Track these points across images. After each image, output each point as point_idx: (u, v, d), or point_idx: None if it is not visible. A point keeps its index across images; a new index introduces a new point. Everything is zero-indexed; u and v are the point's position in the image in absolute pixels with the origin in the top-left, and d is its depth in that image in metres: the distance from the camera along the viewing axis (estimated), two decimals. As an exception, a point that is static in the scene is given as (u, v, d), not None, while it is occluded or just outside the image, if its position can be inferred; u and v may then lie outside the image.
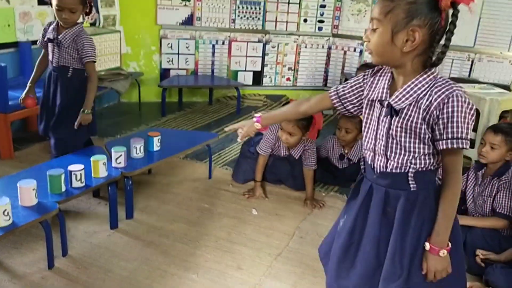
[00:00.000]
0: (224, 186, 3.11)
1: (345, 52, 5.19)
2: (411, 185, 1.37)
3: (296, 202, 2.96)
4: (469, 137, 1.28)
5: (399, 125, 1.33)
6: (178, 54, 4.85)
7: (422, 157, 1.35)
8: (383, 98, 1.36)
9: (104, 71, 4.07)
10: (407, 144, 1.34)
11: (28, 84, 2.82)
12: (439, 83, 1.27)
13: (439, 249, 1.34)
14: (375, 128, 1.40)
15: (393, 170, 1.38)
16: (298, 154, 2.97)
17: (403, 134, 1.33)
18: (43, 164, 2.55)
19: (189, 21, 4.79)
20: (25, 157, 3.31)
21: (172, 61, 4.85)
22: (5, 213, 1.87)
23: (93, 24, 4.29)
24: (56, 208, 2.08)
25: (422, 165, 1.35)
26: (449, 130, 1.26)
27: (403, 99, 1.30)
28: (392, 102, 1.33)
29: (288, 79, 5.28)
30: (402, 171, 1.37)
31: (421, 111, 1.28)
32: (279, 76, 5.23)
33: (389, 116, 1.35)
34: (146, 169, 2.86)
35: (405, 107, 1.31)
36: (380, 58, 1.31)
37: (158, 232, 2.51)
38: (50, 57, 2.70)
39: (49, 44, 2.66)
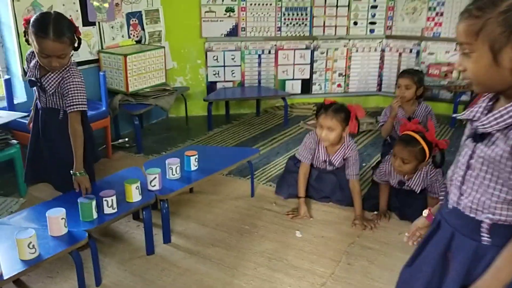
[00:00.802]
0: (267, 204, 2.93)
1: (400, 54, 4.85)
2: (484, 237, 1.11)
3: (344, 222, 2.72)
4: None
5: (482, 154, 1.07)
6: (224, 66, 4.76)
7: (504, 205, 1.06)
8: (475, 118, 1.10)
9: (149, 88, 4.05)
10: (486, 182, 1.07)
11: (32, 108, 2.47)
12: None
13: None
14: (460, 153, 1.17)
15: (465, 211, 1.13)
16: (339, 159, 2.76)
17: (483, 167, 1.07)
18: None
19: (234, 32, 4.68)
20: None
21: (218, 73, 4.77)
22: (31, 246, 1.82)
23: (138, 42, 4.31)
24: (85, 238, 2.00)
25: (503, 216, 1.07)
26: None
27: (493, 122, 1.04)
28: (478, 124, 1.07)
29: (339, 85, 5.02)
30: (475, 216, 1.11)
31: (510, 141, 1.00)
32: (329, 83, 4.99)
33: (473, 141, 1.10)
34: (184, 190, 2.74)
35: (493, 133, 1.05)
36: (485, 86, 1.05)
37: (195, 258, 2.38)
38: (36, 95, 2.33)
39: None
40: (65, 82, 2.18)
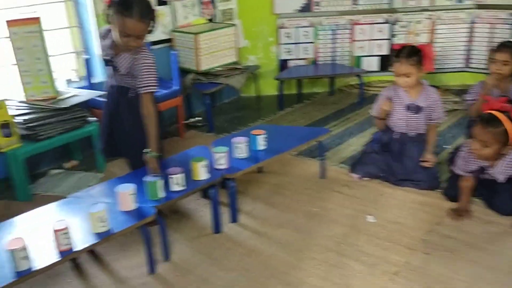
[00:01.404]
0: (337, 187, 2.80)
1: (492, 26, 4.37)
2: None
3: (422, 208, 2.51)
4: None
5: None
6: (296, 43, 4.61)
7: None
8: None
9: (220, 67, 4.03)
10: None
11: (106, 87, 2.49)
12: None
13: None
14: None
15: None
16: (423, 100, 2.74)
17: None
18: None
19: (307, 8, 4.50)
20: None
21: (290, 51, 4.63)
22: (102, 220, 1.87)
23: (210, 20, 4.29)
24: (154, 214, 2.03)
25: None
26: None
27: None
28: None
29: (420, 61, 4.65)
30: None
31: None
32: (410, 59, 4.64)
33: None
34: (254, 169, 2.69)
35: None
36: None
37: (261, 239, 2.33)
38: (110, 73, 2.35)
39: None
40: (138, 63, 2.19)
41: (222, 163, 2.38)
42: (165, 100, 3.52)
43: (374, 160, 2.80)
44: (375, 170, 2.78)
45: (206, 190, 2.65)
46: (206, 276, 2.08)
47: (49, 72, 2.88)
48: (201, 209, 2.65)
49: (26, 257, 1.65)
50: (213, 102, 4.32)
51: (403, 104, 2.73)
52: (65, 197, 2.75)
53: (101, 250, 2.28)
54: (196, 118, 4.11)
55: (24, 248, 1.64)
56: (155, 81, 2.22)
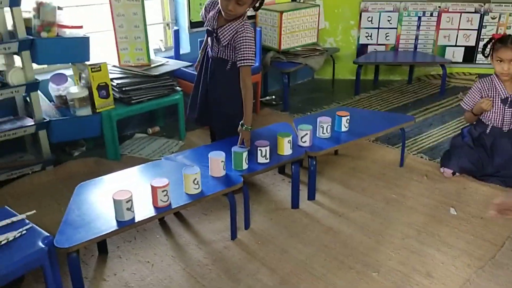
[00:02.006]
0: (417, 176, 2.76)
1: None
2: None
3: (509, 206, 2.42)
4: None
5: None
6: (378, 28, 4.51)
7: None
8: None
9: (300, 46, 4.04)
10: None
11: (200, 52, 2.60)
12: None
13: None
14: None
15: None
16: None
17: None
18: (236, 137, 2.61)
19: (393, -8, 4.38)
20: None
21: (371, 36, 4.55)
22: (195, 182, 1.97)
23: (294, 0, 4.29)
24: (241, 182, 2.10)
25: None
26: None
27: None
28: None
29: (509, 55, 4.40)
30: None
31: None
32: (498, 52, 4.41)
33: None
34: (332, 150, 2.70)
35: None
36: None
37: (338, 219, 2.36)
38: (209, 44, 2.41)
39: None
40: (239, 36, 2.24)
41: (305, 140, 2.42)
42: (246, 75, 3.60)
43: (467, 154, 2.66)
44: (468, 165, 2.64)
45: (283, 166, 2.71)
46: (285, 247, 2.15)
47: (145, 40, 3.02)
48: (277, 184, 2.71)
49: (130, 209, 1.78)
50: (288, 82, 4.34)
51: (499, 97, 2.62)
52: (150, 160, 2.93)
53: (185, 212, 2.40)
54: (271, 96, 4.16)
55: (130, 200, 1.77)
56: (253, 55, 2.27)
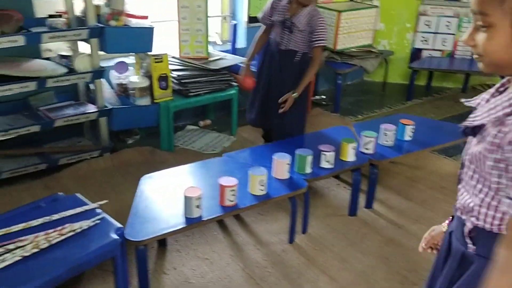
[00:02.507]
0: (479, 192, 2.66)
1: None
2: (468, 244, 0.96)
3: None
4: None
5: (470, 150, 0.91)
6: (435, 33, 4.37)
7: (490, 211, 0.89)
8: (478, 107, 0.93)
9: (355, 48, 3.96)
10: (473, 182, 0.92)
11: (245, 62, 2.64)
12: None
13: None
14: None
15: (457, 212, 0.99)
16: None
17: (471, 165, 0.92)
18: (296, 138, 2.58)
19: (455, -4, 4.23)
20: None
21: (427, 40, 4.41)
22: (262, 184, 1.95)
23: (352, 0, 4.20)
24: (305, 186, 2.07)
25: (487, 224, 0.90)
26: None
27: (485, 114, 0.86)
28: (470, 117, 0.91)
29: None
30: (462, 216, 0.97)
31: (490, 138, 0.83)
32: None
33: (465, 135, 0.93)
34: (395, 159, 2.62)
35: (486, 127, 0.86)
36: (497, 68, 0.86)
37: (398, 231, 2.30)
38: (275, 38, 2.49)
39: (277, 25, 2.45)
40: (315, 18, 2.39)
41: (369, 148, 2.36)
42: (300, 74, 3.55)
43: None
44: None
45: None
46: (345, 255, 2.10)
47: (206, 33, 3.01)
48: (332, 188, 2.67)
49: (199, 206, 1.77)
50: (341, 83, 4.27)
51: None
52: (203, 153, 2.93)
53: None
54: (321, 96, 4.10)
55: (199, 197, 1.76)
56: (326, 37, 2.45)
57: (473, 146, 0.90)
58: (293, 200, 2.08)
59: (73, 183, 2.56)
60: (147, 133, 3.19)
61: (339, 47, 3.83)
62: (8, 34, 2.17)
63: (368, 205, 2.48)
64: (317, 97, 4.07)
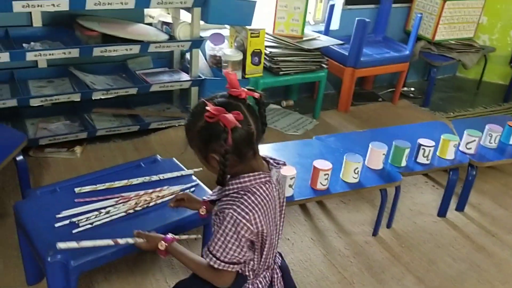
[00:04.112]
0: None
1: None
2: None
3: None
4: None
5: None
6: (545, 31, 3.99)
7: None
8: None
9: (454, 40, 3.71)
10: None
11: None
12: None
13: None
14: None
15: None
16: None
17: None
18: (390, 128, 2.47)
19: None
20: (359, 114, 3.38)
21: (534, 39, 4.04)
22: (356, 171, 1.88)
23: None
24: (400, 180, 1.98)
25: None
26: None
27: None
28: None
29: None
30: None
31: None
32: None
33: None
34: (498, 163, 2.42)
35: None
36: None
37: (492, 239, 2.15)
38: None
39: None
40: None
41: (471, 147, 2.20)
42: (392, 63, 3.39)
43: None
44: None
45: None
46: (433, 257, 2.00)
47: (304, 12, 2.94)
48: (420, 185, 2.54)
49: (292, 186, 1.74)
50: (427, 75, 4.05)
51: None
52: (285, 133, 2.90)
53: (324, 195, 2.34)
54: (410, 88, 3.91)
55: (293, 177, 1.73)
56: None
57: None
58: (384, 192, 2.00)
59: (160, 148, 2.63)
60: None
61: (438, 38, 3.61)
62: (120, -4, 2.22)
63: (460, 208, 2.34)
64: (405, 88, 3.88)
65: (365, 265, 1.93)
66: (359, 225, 2.18)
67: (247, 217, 1.03)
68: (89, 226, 1.44)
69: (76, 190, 1.60)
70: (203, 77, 2.69)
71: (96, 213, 1.49)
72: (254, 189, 1.06)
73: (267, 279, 1.18)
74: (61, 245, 1.17)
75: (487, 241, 2.14)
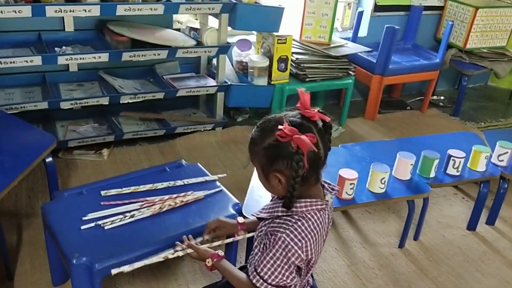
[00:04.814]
0: None
1: None
2: None
3: None
4: None
5: None
6: None
7: None
8: None
9: (486, 48, 3.61)
10: None
11: None
12: None
13: None
14: None
15: None
16: None
17: None
18: (419, 138, 2.42)
19: None
20: (386, 122, 3.33)
21: None
22: (382, 181, 1.84)
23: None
24: (428, 191, 1.93)
25: None
26: None
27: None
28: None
29: None
30: None
31: None
32: None
33: None
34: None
35: None
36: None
37: (524, 255, 2.07)
38: None
39: None
40: None
41: (503, 159, 2.13)
42: (422, 71, 3.33)
43: None
44: None
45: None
46: (461, 272, 1.94)
47: (333, 19, 2.91)
48: (449, 197, 2.47)
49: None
50: (458, 84, 3.95)
51: None
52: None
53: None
54: (439, 97, 3.83)
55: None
56: None
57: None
58: (412, 204, 1.95)
59: (185, 152, 2.64)
60: (256, 113, 3.20)
61: (469, 46, 3.52)
62: (150, 2, 2.25)
63: (490, 222, 2.26)
64: (434, 97, 3.80)
65: (391, 278, 1.88)
66: (385, 236, 2.13)
67: (299, 244, 1.02)
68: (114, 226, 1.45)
69: (102, 193, 1.62)
70: (229, 83, 2.69)
71: (121, 216, 1.50)
72: (309, 215, 1.05)
73: None
74: (114, 271, 1.23)
75: (519, 257, 2.06)
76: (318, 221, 1.05)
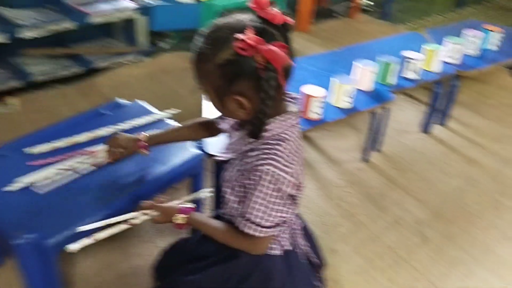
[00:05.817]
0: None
1: None
2: None
3: None
4: None
5: None
6: None
7: None
8: None
9: None
10: None
11: None
12: None
13: None
14: None
15: None
16: None
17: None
18: (366, 43, 2.28)
19: None
20: (319, 33, 3.15)
21: None
22: (349, 95, 1.68)
23: None
24: (393, 99, 1.81)
25: None
26: None
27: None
28: None
29: None
30: None
31: None
32: None
33: None
34: (483, 71, 2.32)
35: None
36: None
37: (480, 151, 2.10)
38: None
39: None
40: None
41: (456, 57, 2.07)
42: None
43: None
44: None
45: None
46: (427, 176, 1.92)
47: None
48: (401, 104, 2.42)
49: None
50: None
51: None
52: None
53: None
54: (369, 3, 3.71)
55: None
56: None
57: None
58: (375, 114, 1.84)
59: (110, 90, 2.28)
60: (183, 37, 2.84)
61: None
62: None
63: (441, 122, 2.25)
64: (364, 1, 3.66)
65: (364, 194, 1.81)
66: (348, 152, 2.04)
67: (287, 169, 0.81)
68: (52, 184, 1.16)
69: (27, 150, 1.29)
70: (154, 3, 2.30)
71: (60, 176, 1.19)
72: (285, 135, 0.83)
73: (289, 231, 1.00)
74: (72, 247, 0.97)
75: (477, 152, 2.08)
76: (296, 139, 0.85)
